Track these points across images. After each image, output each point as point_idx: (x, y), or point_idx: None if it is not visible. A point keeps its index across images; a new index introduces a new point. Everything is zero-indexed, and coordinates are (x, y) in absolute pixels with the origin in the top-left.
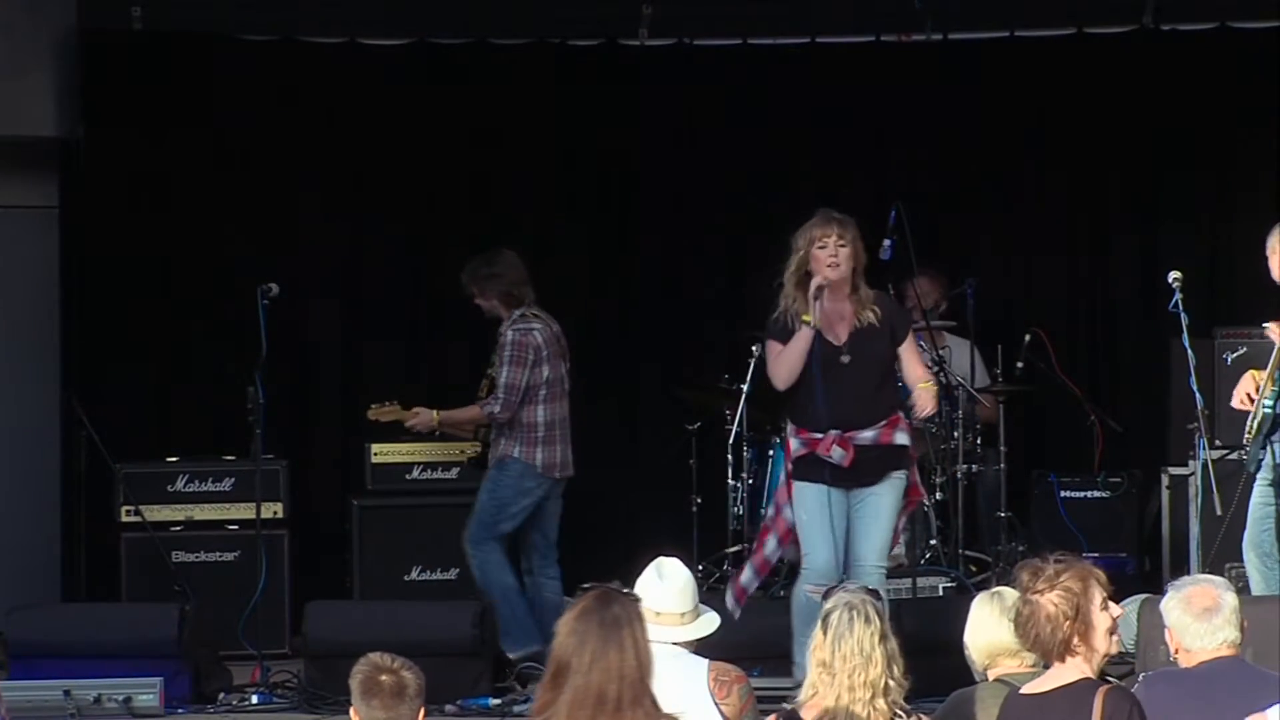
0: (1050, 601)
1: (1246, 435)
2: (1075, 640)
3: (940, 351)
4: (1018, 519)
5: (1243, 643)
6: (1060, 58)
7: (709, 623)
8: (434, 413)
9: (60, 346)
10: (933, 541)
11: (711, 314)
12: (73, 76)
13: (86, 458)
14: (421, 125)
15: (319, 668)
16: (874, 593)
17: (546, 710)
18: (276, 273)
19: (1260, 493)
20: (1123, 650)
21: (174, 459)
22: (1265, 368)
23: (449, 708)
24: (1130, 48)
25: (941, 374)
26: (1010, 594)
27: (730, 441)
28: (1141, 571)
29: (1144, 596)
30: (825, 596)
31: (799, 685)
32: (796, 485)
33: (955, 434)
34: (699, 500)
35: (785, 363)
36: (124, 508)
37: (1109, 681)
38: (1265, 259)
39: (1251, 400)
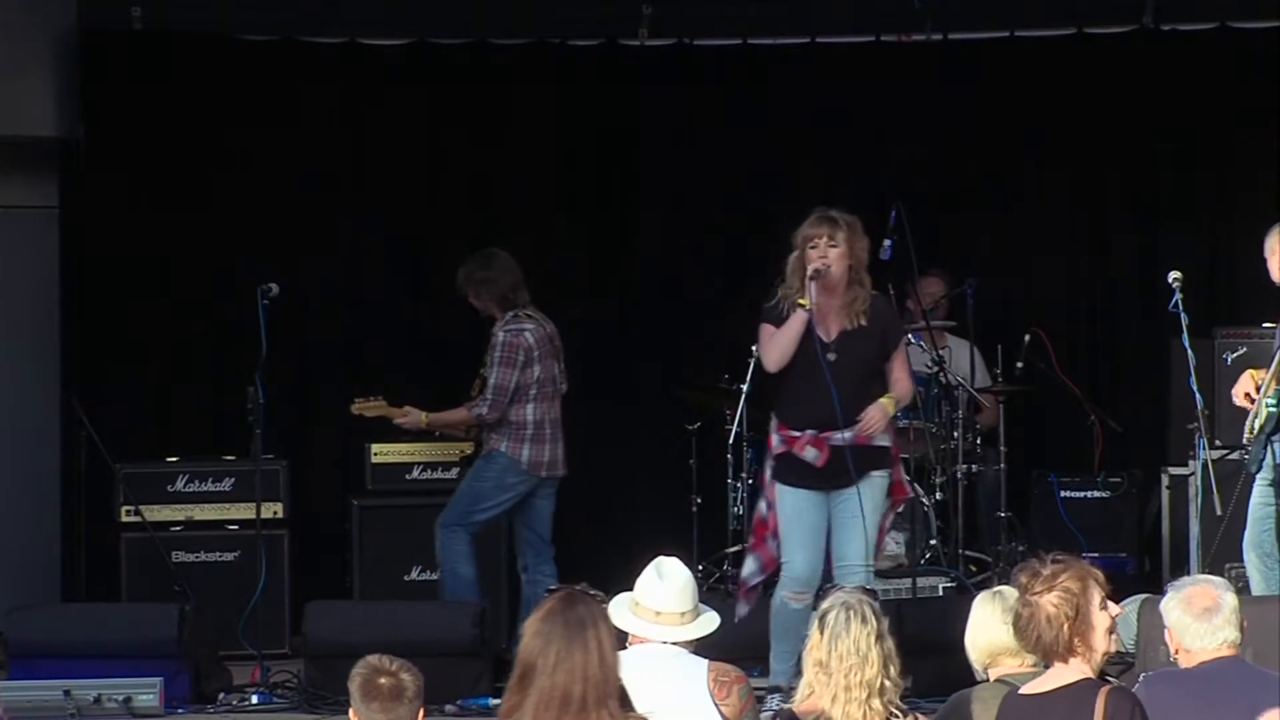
0: (1050, 602)
1: (1246, 435)
2: (1075, 641)
3: (940, 352)
4: (1018, 519)
5: (1243, 643)
6: (1060, 58)
7: (709, 622)
8: (423, 414)
9: (60, 346)
10: (933, 541)
11: (711, 314)
12: (73, 76)
13: (86, 458)
14: (421, 125)
15: (319, 668)
16: (871, 593)
17: (513, 713)
18: (276, 273)
19: (1260, 493)
20: (1122, 650)
21: (174, 459)
22: (1265, 367)
23: (449, 708)
24: (1130, 48)
25: (942, 374)
26: (1011, 594)
27: (730, 441)
28: (1141, 571)
29: (1144, 596)
30: (823, 596)
31: (775, 690)
32: (777, 488)
33: (955, 434)
34: (699, 500)
35: (778, 344)
36: (124, 508)
37: (1110, 682)
38: (1264, 259)
39: (1252, 400)
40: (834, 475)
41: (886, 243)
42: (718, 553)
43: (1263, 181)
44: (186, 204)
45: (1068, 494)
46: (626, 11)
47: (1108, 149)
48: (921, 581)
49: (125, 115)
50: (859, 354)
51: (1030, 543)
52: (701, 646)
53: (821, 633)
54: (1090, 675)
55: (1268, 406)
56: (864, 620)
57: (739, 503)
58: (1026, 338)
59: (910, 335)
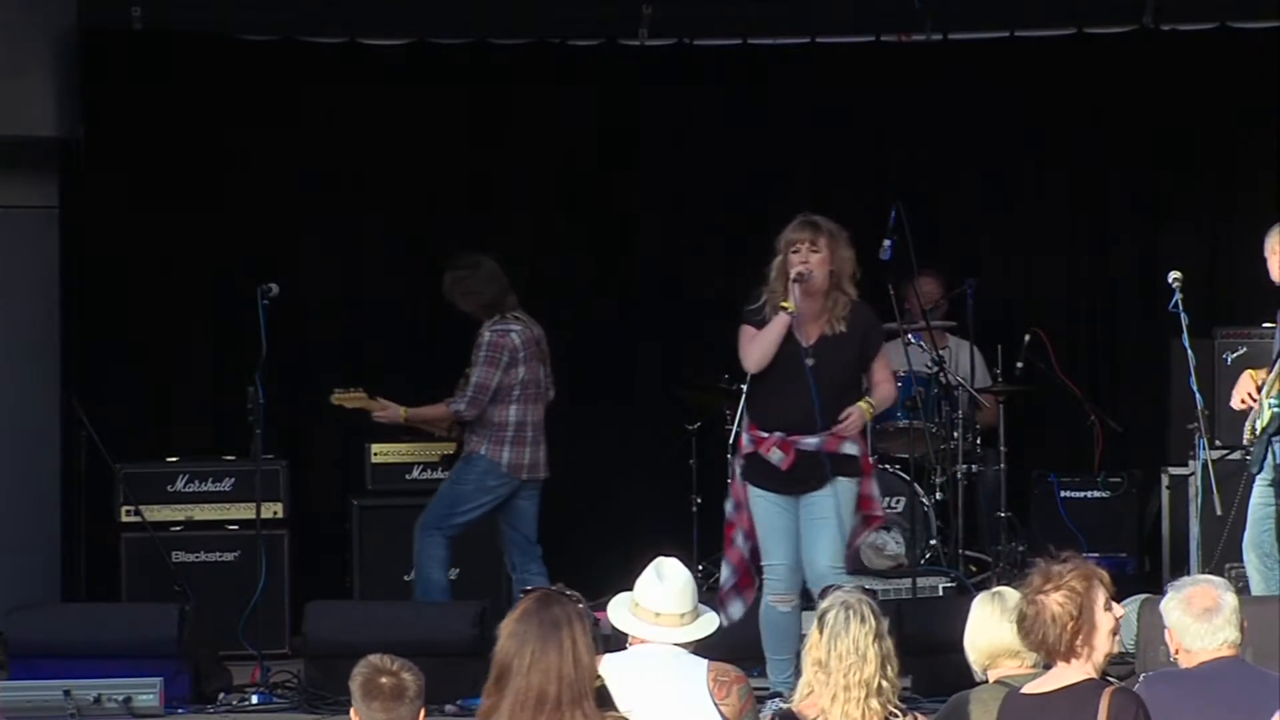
0: (1055, 602)
1: (1247, 435)
2: (1079, 640)
3: (940, 352)
4: (1018, 519)
5: (1243, 643)
6: (1060, 58)
7: (709, 623)
8: (401, 409)
9: (60, 346)
10: (933, 541)
11: (711, 314)
12: (73, 76)
13: (86, 458)
14: (421, 125)
15: (319, 668)
16: (870, 592)
17: (491, 714)
18: (276, 273)
19: (1260, 493)
20: (1123, 650)
21: (174, 459)
22: (1263, 368)
23: (449, 708)
24: (1130, 48)
25: (942, 374)
26: (1010, 594)
27: (730, 441)
28: (1141, 571)
29: (1144, 596)
30: (822, 596)
31: (775, 695)
32: (750, 491)
33: (955, 434)
34: (699, 500)
35: (759, 345)
36: (124, 508)
37: (1112, 682)
38: (1264, 259)
39: (1253, 400)
40: (799, 480)
41: (886, 243)
42: (718, 553)
43: (1263, 181)
44: (186, 204)
45: (1068, 494)
46: (626, 11)
47: (1108, 149)
48: (921, 581)
49: (125, 115)
50: (837, 360)
51: (1030, 543)
52: (701, 647)
53: (821, 632)
54: (1093, 676)
55: (1270, 407)
56: (863, 620)
57: None
58: (1026, 338)
59: (910, 335)
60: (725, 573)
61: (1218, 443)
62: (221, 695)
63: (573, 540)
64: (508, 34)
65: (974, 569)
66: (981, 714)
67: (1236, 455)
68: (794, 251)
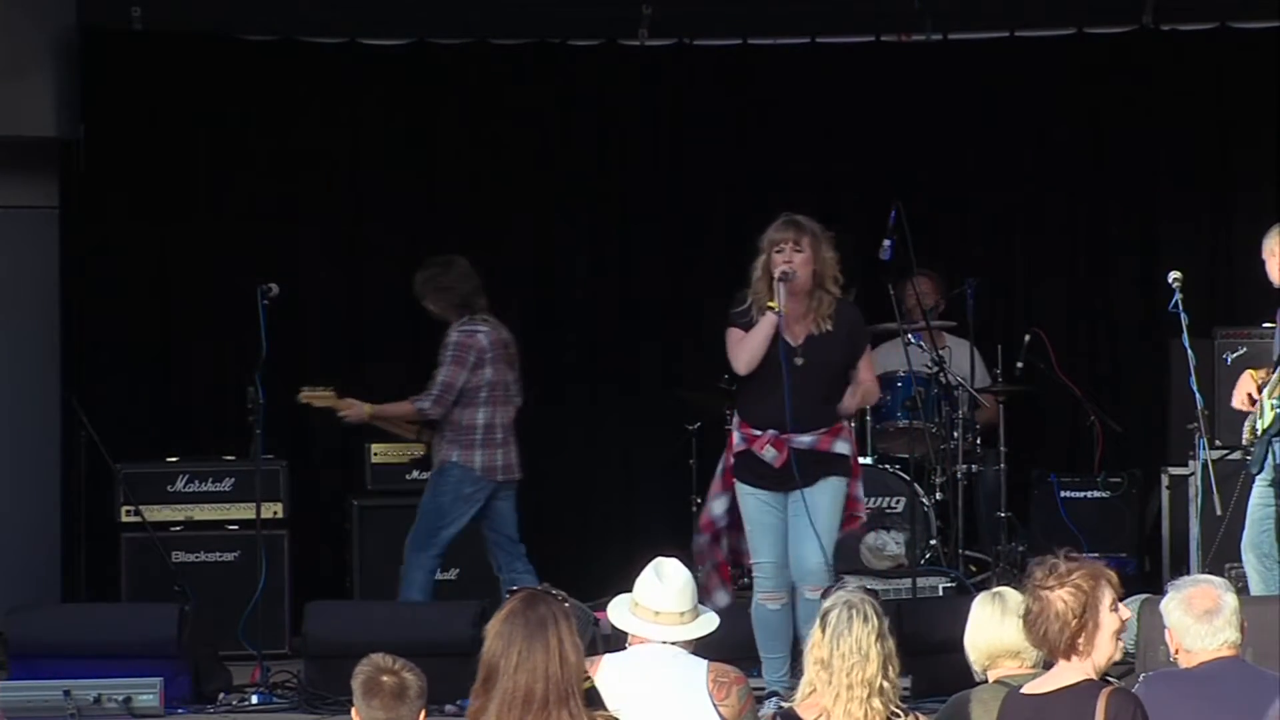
0: (1060, 598)
1: (1246, 435)
2: (1082, 639)
3: (940, 352)
4: (1018, 519)
5: (1243, 643)
6: (1060, 58)
7: (708, 622)
8: (367, 406)
9: (60, 346)
10: (933, 541)
11: (711, 314)
12: (73, 76)
13: (86, 458)
14: (421, 125)
15: (319, 668)
16: (873, 592)
17: (479, 715)
18: (276, 273)
19: (1260, 493)
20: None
21: (174, 459)
22: (1263, 368)
23: (449, 708)
24: (1130, 48)
25: (942, 374)
26: (1011, 594)
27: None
28: (1141, 571)
29: (1144, 596)
30: (824, 595)
31: (772, 695)
32: (738, 487)
33: (955, 434)
34: (699, 500)
35: (747, 347)
36: (124, 508)
37: (1111, 683)
38: (1264, 259)
39: (1253, 400)
40: (791, 478)
41: (886, 243)
42: None
43: (1262, 182)
44: (186, 204)
45: (1068, 494)
46: (626, 11)
47: (1107, 149)
48: (921, 581)
49: (125, 115)
50: (825, 359)
51: (1030, 543)
52: (701, 647)
53: (823, 631)
54: (1092, 676)
55: (1273, 407)
56: (866, 619)
57: None
58: (1026, 338)
59: (910, 335)
60: (707, 565)
61: (1218, 443)
62: (221, 695)
63: (573, 540)
64: (507, 34)
65: (974, 569)
66: (982, 714)
67: (1236, 455)
68: (777, 251)
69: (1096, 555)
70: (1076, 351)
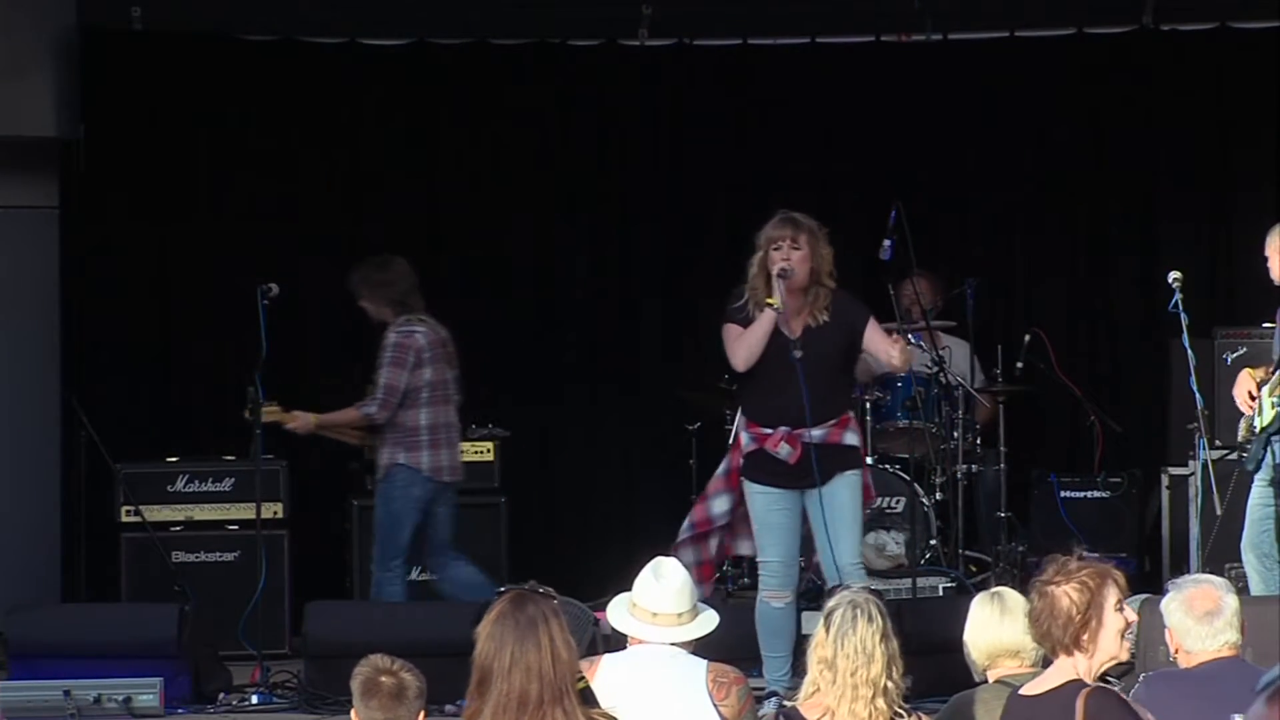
0: (1066, 593)
1: (1243, 433)
2: (1085, 636)
3: (940, 352)
4: (1018, 519)
5: (1243, 643)
6: (1060, 58)
7: (707, 622)
8: (313, 416)
9: (60, 346)
10: (933, 541)
11: (711, 314)
12: (73, 76)
13: (86, 458)
14: (421, 125)
15: (319, 668)
16: (877, 592)
17: (475, 719)
18: (276, 273)
19: (1259, 493)
20: None
21: (174, 459)
22: (1260, 366)
23: (449, 708)
24: (1130, 48)
25: (942, 374)
26: (1010, 594)
27: (730, 441)
28: (1141, 571)
29: (1144, 596)
30: (828, 595)
31: (772, 695)
32: (746, 486)
33: (955, 434)
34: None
35: (746, 344)
36: (124, 508)
37: (1090, 684)
38: (1264, 259)
39: (1253, 399)
40: (805, 474)
41: (886, 243)
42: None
43: (1262, 181)
44: (186, 204)
45: (1068, 494)
46: (626, 11)
47: (1108, 149)
48: (921, 581)
49: (125, 115)
50: (825, 349)
51: (1030, 543)
52: (700, 646)
53: (827, 631)
54: (1080, 677)
55: (1275, 405)
56: (870, 619)
57: None
58: (1026, 338)
59: (910, 335)
60: (687, 558)
61: (1218, 443)
62: (221, 695)
63: (573, 540)
64: (507, 34)
65: (974, 569)
66: (984, 714)
67: (1235, 455)
68: (775, 248)
69: (1096, 555)
70: (1076, 351)
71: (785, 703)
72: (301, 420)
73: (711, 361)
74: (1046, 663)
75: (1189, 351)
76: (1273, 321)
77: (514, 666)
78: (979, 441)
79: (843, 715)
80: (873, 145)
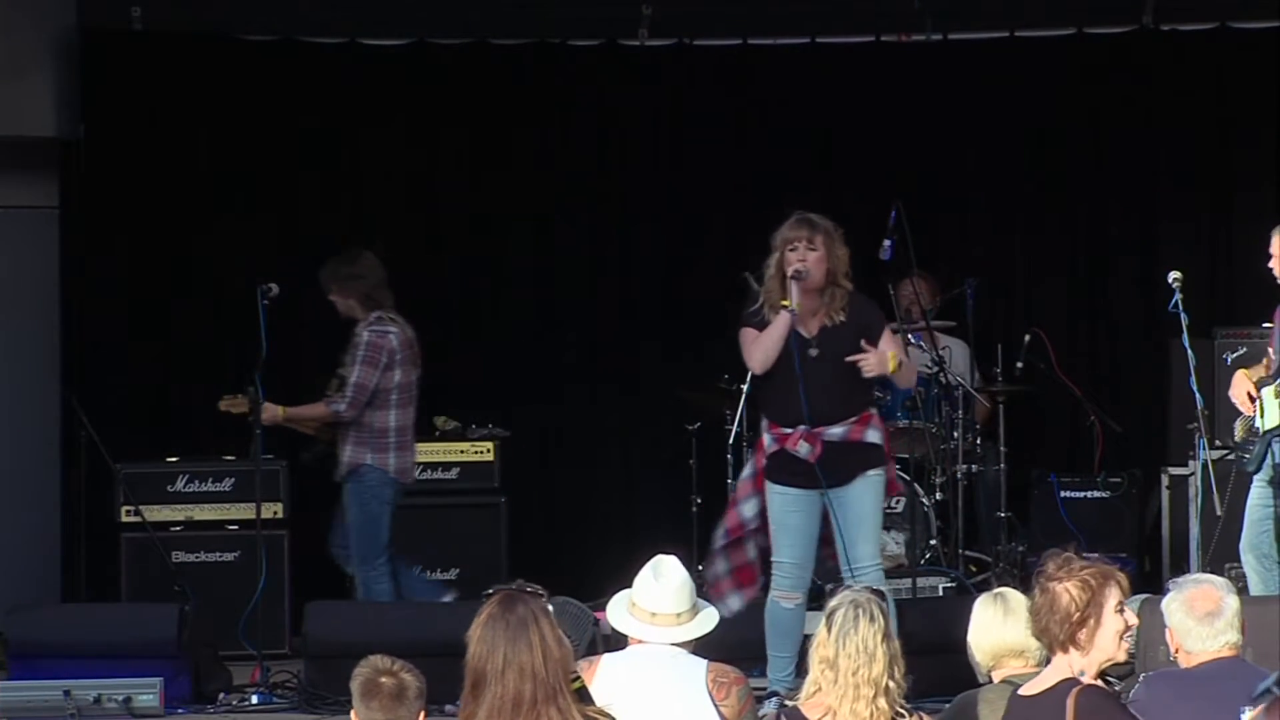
0: (1066, 590)
1: (1239, 432)
2: (1082, 634)
3: (940, 352)
4: (1018, 519)
5: (1243, 643)
6: (1060, 58)
7: (707, 621)
8: (280, 409)
9: (60, 346)
10: (933, 541)
11: (711, 314)
12: (73, 76)
13: (86, 458)
14: (421, 125)
15: (319, 668)
16: (879, 592)
17: None
18: (276, 273)
19: (1259, 493)
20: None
21: (174, 459)
22: (1254, 367)
23: (449, 708)
24: (1130, 48)
25: (942, 374)
26: (1013, 595)
27: (730, 441)
28: (1141, 571)
29: (1144, 596)
30: (831, 595)
31: (772, 694)
32: (768, 487)
33: (955, 434)
34: (699, 500)
35: (762, 346)
36: (124, 508)
37: (1088, 682)
38: (1267, 259)
39: (1253, 399)
40: (827, 473)
41: (886, 243)
42: None
43: (1262, 181)
44: (186, 204)
45: (1068, 494)
46: (626, 12)
47: (1107, 148)
48: (921, 581)
49: (125, 115)
50: (842, 348)
51: (1030, 543)
52: (701, 646)
53: (829, 630)
54: (1074, 676)
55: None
56: (872, 619)
57: None
58: (1026, 338)
59: (910, 335)
60: (720, 567)
61: (1218, 443)
62: (221, 695)
63: (573, 540)
64: (507, 34)
65: (974, 569)
66: (988, 714)
67: (1234, 456)
68: (791, 249)
69: (1096, 555)
70: (1076, 351)
71: (787, 702)
72: (270, 413)
73: (712, 361)
74: (1049, 662)
75: (1189, 351)
76: (1271, 322)
77: (507, 668)
78: (979, 441)
79: (844, 715)
80: (873, 145)
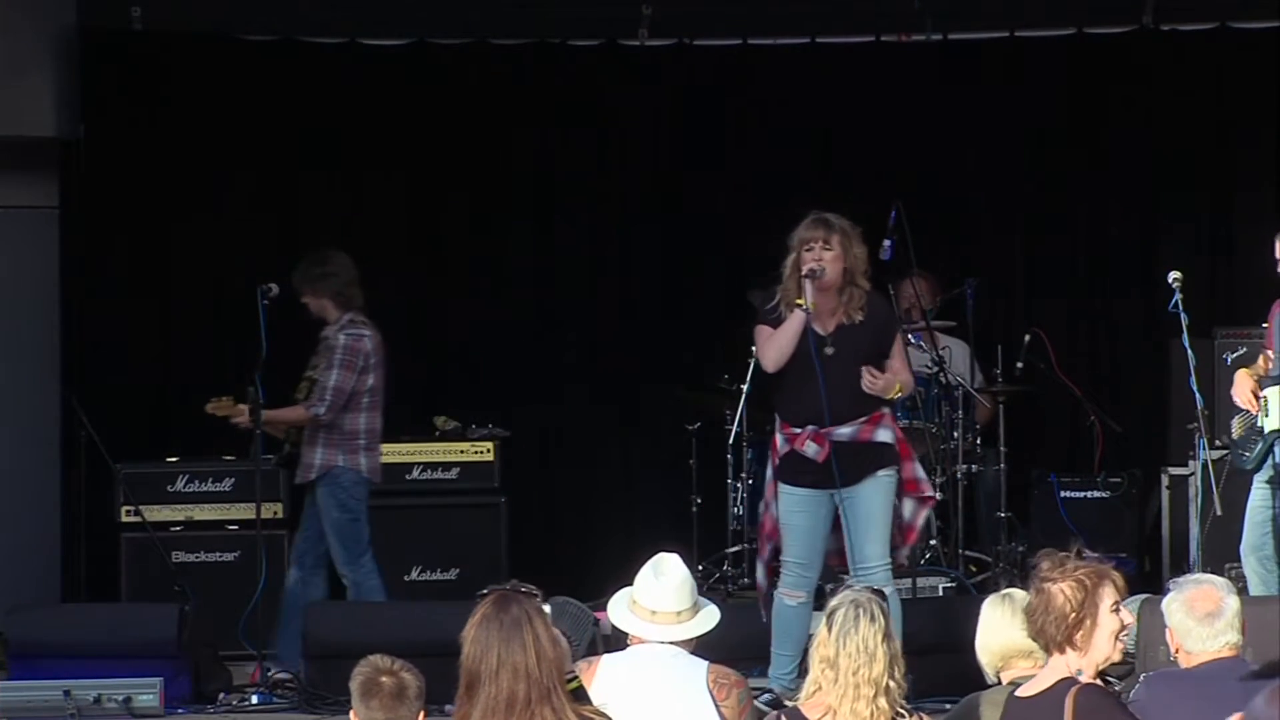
0: (1061, 590)
1: (1236, 430)
2: (1078, 634)
3: (940, 352)
4: (1018, 519)
5: (1243, 644)
6: (1060, 58)
7: (707, 619)
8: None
9: (60, 346)
10: (933, 541)
11: (711, 314)
12: (73, 76)
13: (86, 458)
14: (421, 125)
15: (319, 668)
16: (879, 593)
17: None
18: (276, 273)
19: (1259, 494)
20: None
21: (174, 459)
22: (1255, 363)
23: (449, 708)
24: (1130, 48)
25: (942, 374)
26: (1020, 595)
27: (730, 441)
28: (1141, 571)
29: (1144, 596)
30: (832, 594)
31: (767, 691)
32: (780, 488)
33: (955, 434)
34: (699, 500)
35: (775, 344)
36: (124, 508)
37: (1087, 681)
38: (1267, 259)
39: (1256, 398)
40: (838, 473)
41: (886, 243)
42: (718, 553)
43: (1263, 181)
44: (186, 204)
45: (1068, 494)
46: (626, 12)
47: (1107, 149)
48: (921, 581)
49: (125, 115)
50: (856, 348)
51: (1030, 543)
52: (701, 646)
53: (830, 630)
54: (1071, 675)
55: None
56: (872, 618)
57: (739, 503)
58: (1026, 338)
59: (910, 335)
60: (761, 573)
61: (1217, 443)
62: (221, 695)
63: (573, 540)
64: (507, 34)
65: (974, 569)
66: (993, 715)
67: (1234, 454)
68: (807, 250)
69: (1096, 555)
70: (1076, 351)
71: (787, 703)
72: (247, 415)
73: (712, 361)
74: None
75: (1189, 351)
76: (1268, 321)
77: (501, 668)
78: (979, 441)
79: (844, 714)
80: (873, 145)
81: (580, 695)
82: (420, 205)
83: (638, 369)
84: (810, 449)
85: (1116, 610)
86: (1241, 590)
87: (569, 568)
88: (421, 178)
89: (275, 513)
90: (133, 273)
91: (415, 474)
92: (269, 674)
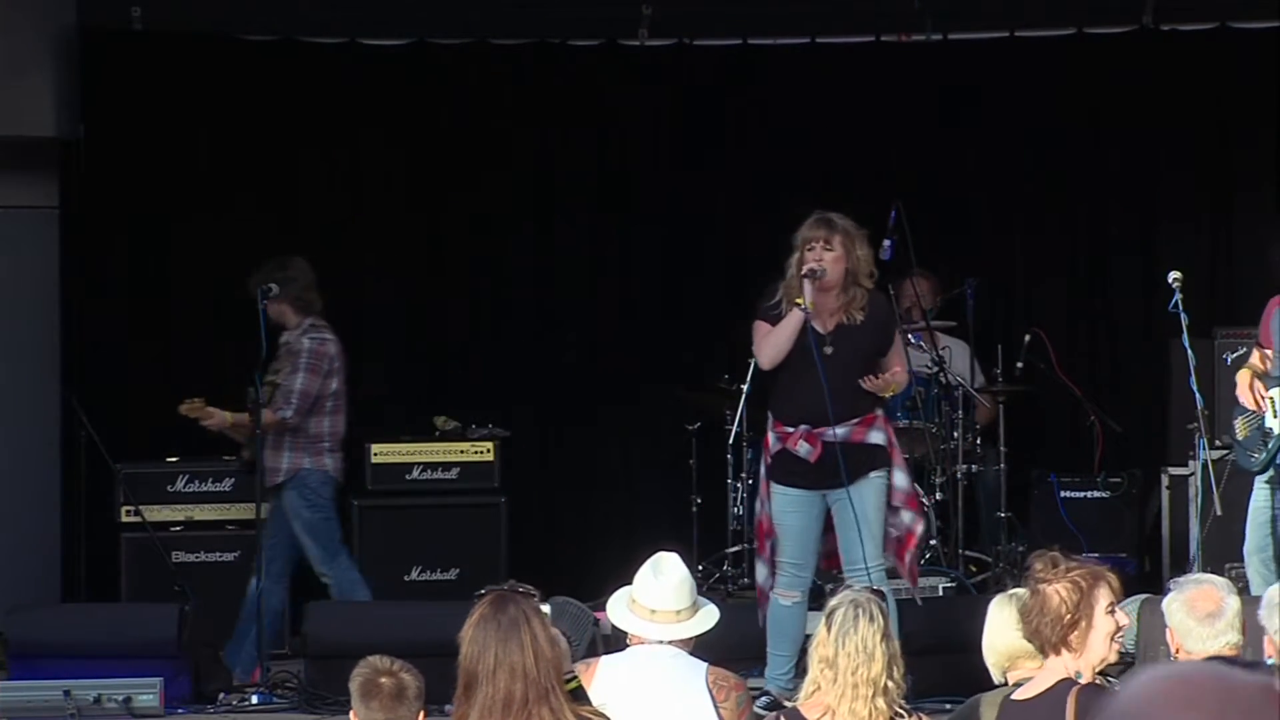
0: (1056, 591)
1: (1239, 430)
2: (1073, 635)
3: (940, 352)
4: (1018, 519)
5: (1243, 644)
6: (1060, 58)
7: (707, 618)
8: (228, 414)
9: (60, 346)
10: (933, 541)
11: (711, 314)
12: (73, 76)
13: (86, 458)
14: (421, 125)
15: (319, 668)
16: (878, 592)
17: None
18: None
19: (1261, 495)
20: (1123, 651)
21: (174, 459)
22: (1254, 360)
23: (449, 708)
24: (1130, 48)
25: (942, 374)
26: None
27: (730, 441)
28: (1141, 571)
29: (1144, 596)
30: (831, 594)
31: (764, 693)
32: (772, 488)
33: (955, 434)
34: (699, 500)
35: (772, 341)
36: (124, 508)
37: (1087, 681)
38: (1268, 259)
39: (1261, 398)
40: (828, 473)
41: (886, 243)
42: (718, 553)
43: (1263, 181)
44: (186, 204)
45: (1068, 494)
46: (626, 11)
47: (1108, 148)
48: (921, 581)
49: (125, 115)
50: (855, 348)
51: (1030, 543)
52: (700, 646)
53: (829, 630)
54: (1070, 677)
55: None
56: (871, 618)
57: (739, 503)
58: (1026, 338)
59: (910, 335)
60: (763, 572)
61: (1218, 443)
62: (221, 695)
63: (573, 540)
64: (507, 34)
65: (974, 569)
66: (994, 716)
67: (1236, 454)
68: (809, 249)
69: (1096, 555)
70: (1076, 351)
71: (785, 703)
72: (218, 418)
73: (711, 361)
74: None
75: (1189, 351)
76: (1263, 321)
77: (498, 668)
78: (979, 441)
79: (843, 714)
80: (873, 145)
81: (579, 695)
82: (420, 205)
83: (638, 369)
84: (802, 448)
85: (1112, 611)
86: (1242, 590)
87: (569, 568)
88: (421, 178)
89: None
90: (133, 273)
91: (415, 474)
92: (269, 674)
